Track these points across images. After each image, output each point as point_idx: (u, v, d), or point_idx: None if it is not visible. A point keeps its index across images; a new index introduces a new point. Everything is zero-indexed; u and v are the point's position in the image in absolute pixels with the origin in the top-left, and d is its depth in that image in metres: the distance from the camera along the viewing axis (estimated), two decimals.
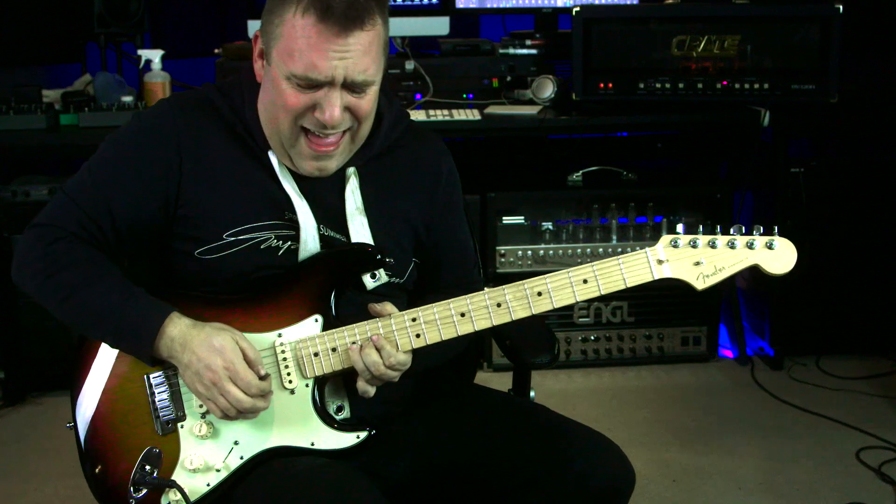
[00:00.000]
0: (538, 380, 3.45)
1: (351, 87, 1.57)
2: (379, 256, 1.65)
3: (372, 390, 1.62)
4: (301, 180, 1.68)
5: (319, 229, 1.66)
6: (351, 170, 1.70)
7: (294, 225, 1.65)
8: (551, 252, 3.47)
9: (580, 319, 3.53)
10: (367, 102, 1.61)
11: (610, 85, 3.33)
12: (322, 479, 1.52)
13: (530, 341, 1.92)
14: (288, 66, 1.54)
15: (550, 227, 3.49)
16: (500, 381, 2.05)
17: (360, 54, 1.54)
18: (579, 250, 3.47)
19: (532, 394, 2.01)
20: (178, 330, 1.55)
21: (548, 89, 3.41)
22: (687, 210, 3.52)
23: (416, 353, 1.63)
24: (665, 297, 3.49)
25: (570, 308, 3.49)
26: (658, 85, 3.31)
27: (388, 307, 1.63)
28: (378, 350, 1.58)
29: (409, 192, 1.77)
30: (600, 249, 3.47)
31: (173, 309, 1.57)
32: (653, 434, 3.08)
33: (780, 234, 1.63)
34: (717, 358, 3.63)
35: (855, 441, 2.99)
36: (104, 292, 1.56)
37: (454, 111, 3.27)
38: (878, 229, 3.46)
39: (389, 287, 1.71)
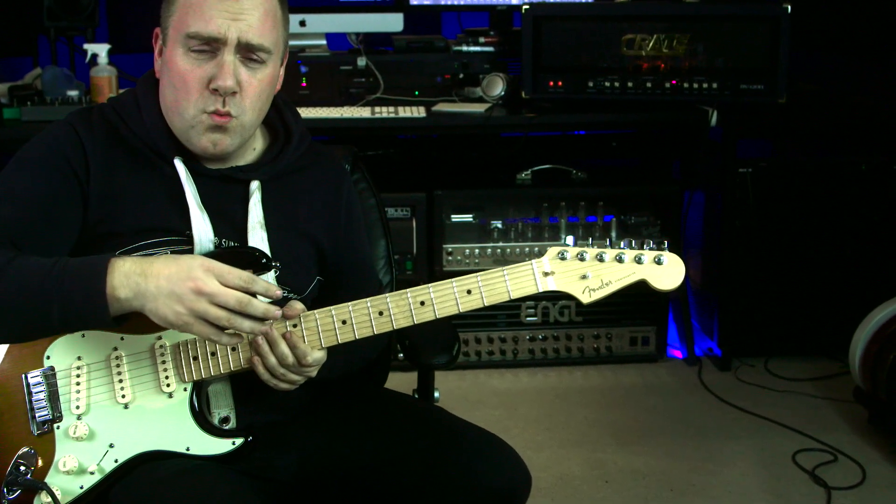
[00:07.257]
0: (483, 378, 3.49)
1: (246, 51, 1.57)
2: (265, 260, 1.62)
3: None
4: (205, 191, 1.66)
5: (219, 243, 1.65)
6: (255, 184, 1.70)
7: (192, 240, 1.64)
8: (499, 250, 3.46)
9: (528, 319, 3.51)
10: (259, 83, 1.60)
11: (559, 83, 3.33)
12: (189, 482, 1.51)
13: (430, 342, 1.91)
14: (183, 30, 1.56)
15: (499, 225, 3.47)
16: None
17: (252, 15, 1.56)
18: (528, 249, 3.45)
19: (437, 395, 2.01)
20: (130, 263, 1.46)
21: (498, 87, 3.40)
22: (637, 209, 3.51)
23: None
24: (614, 296, 3.45)
25: (517, 307, 3.49)
26: (607, 83, 3.30)
27: (298, 306, 1.61)
28: (292, 348, 1.56)
29: (312, 212, 1.77)
30: (549, 248, 3.45)
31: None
32: (591, 434, 3.07)
33: (670, 250, 1.62)
34: (666, 358, 3.61)
35: (793, 443, 2.99)
36: (30, 264, 1.49)
37: (399, 108, 3.26)
38: (826, 231, 3.44)
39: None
